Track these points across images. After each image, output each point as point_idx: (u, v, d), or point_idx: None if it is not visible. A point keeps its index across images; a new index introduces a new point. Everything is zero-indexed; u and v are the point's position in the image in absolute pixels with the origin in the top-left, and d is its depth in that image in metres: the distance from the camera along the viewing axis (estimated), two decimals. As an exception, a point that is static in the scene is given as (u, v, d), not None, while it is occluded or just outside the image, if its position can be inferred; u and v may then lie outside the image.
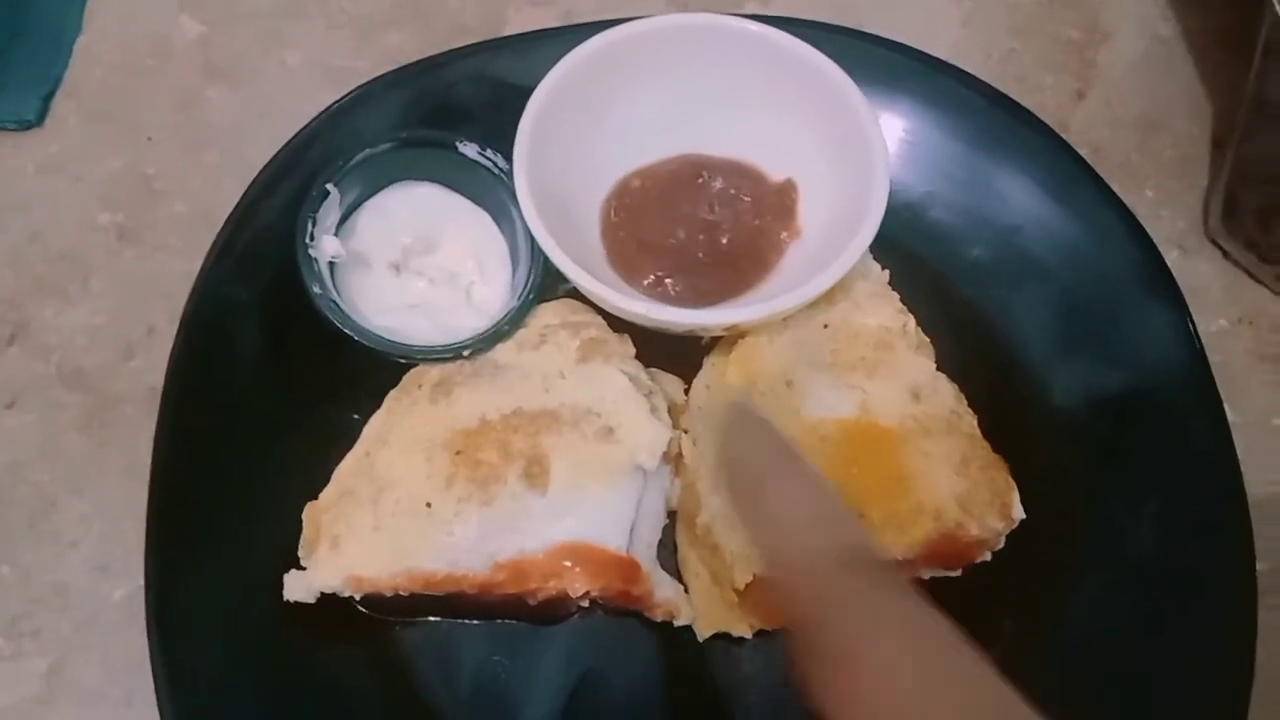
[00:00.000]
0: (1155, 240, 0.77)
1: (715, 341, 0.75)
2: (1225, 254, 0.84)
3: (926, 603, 0.43)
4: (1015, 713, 0.40)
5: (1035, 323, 0.76)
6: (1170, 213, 0.86)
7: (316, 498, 0.68)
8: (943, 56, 0.83)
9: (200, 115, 0.88)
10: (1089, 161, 0.80)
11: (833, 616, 0.43)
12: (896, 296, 0.73)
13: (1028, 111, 0.81)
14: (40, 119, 0.87)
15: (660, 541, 0.70)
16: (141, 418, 0.75)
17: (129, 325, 0.80)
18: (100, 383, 0.78)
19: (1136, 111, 0.91)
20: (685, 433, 0.71)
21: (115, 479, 0.75)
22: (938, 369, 0.71)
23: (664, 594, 0.67)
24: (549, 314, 0.73)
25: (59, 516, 0.74)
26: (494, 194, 0.74)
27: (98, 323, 0.80)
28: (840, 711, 0.40)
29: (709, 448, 0.68)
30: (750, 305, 0.71)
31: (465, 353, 0.70)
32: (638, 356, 0.73)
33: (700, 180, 0.77)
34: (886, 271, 0.74)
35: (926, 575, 0.69)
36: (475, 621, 0.69)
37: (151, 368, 0.76)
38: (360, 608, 0.67)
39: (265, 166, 0.76)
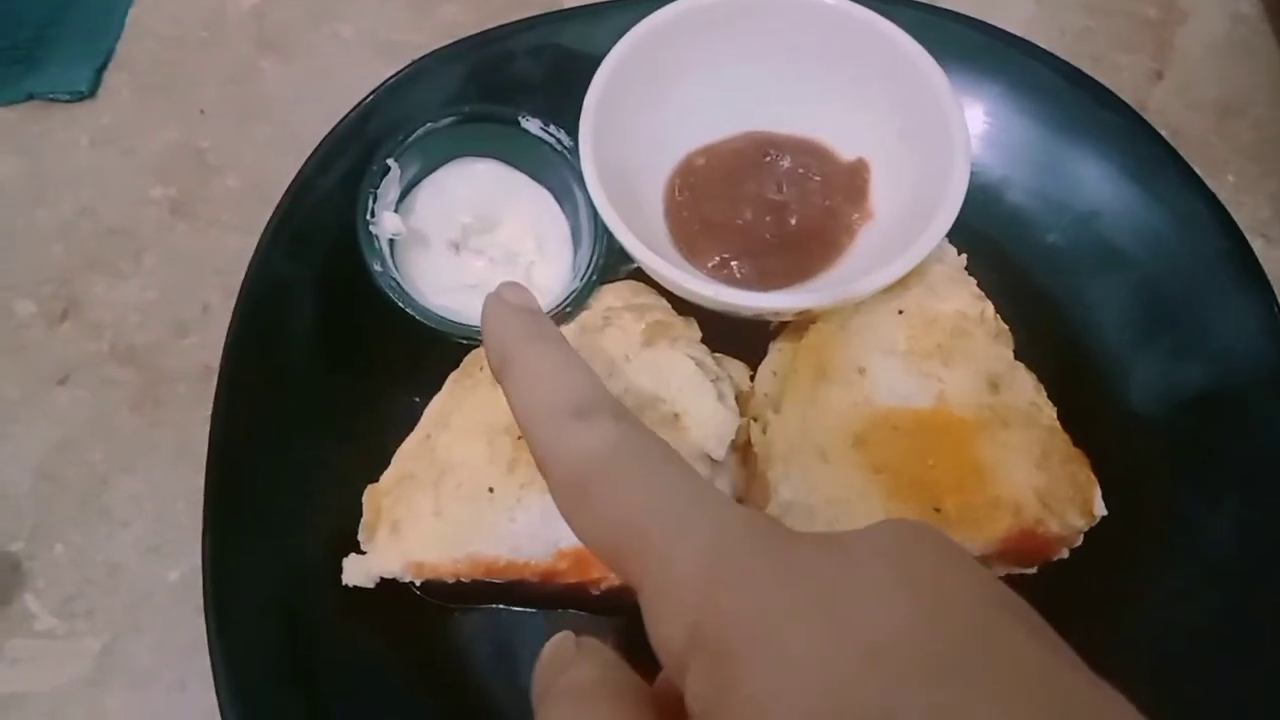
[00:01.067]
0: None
1: (783, 327, 0.72)
2: (1309, 243, 0.81)
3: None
4: None
5: (1114, 312, 0.74)
6: (1252, 200, 0.83)
7: (376, 480, 0.66)
8: (1016, 33, 0.80)
9: (253, 88, 0.86)
10: (1172, 145, 0.77)
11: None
12: (974, 282, 0.70)
13: (1108, 92, 0.78)
14: (92, 91, 0.86)
15: (725, 532, 0.68)
16: (195, 396, 0.74)
17: (182, 302, 0.78)
18: (153, 360, 0.77)
19: (1216, 94, 0.88)
20: (754, 420, 0.69)
21: (168, 458, 0.73)
22: (1015, 358, 0.69)
23: (730, 586, 0.65)
24: (612, 296, 0.70)
25: (110, 495, 0.73)
26: (556, 171, 0.72)
27: (150, 299, 0.79)
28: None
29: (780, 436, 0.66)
30: (822, 289, 0.69)
31: (528, 335, 0.67)
32: (703, 341, 0.71)
33: (767, 159, 0.74)
34: (963, 256, 0.71)
35: (1001, 573, 0.67)
36: (536, 611, 0.67)
37: (205, 345, 0.75)
38: (420, 594, 0.66)
39: (322, 141, 0.74)
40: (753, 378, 0.72)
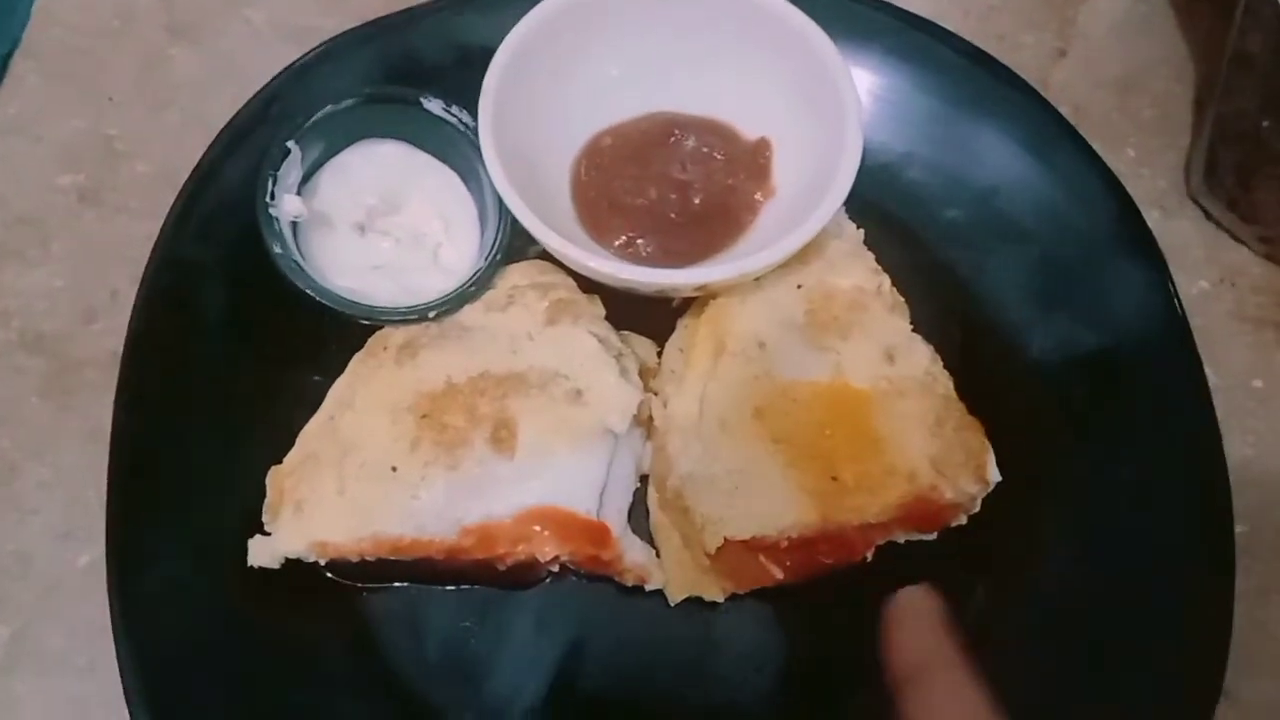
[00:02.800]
0: (1136, 200, 0.76)
1: (688, 303, 0.73)
2: (1207, 214, 0.83)
3: None
4: None
5: (1013, 284, 0.75)
6: (1151, 172, 0.85)
7: (280, 462, 0.66)
8: (921, 13, 0.81)
9: (163, 75, 0.86)
10: (1069, 121, 0.78)
11: None
12: (871, 256, 0.72)
13: (1008, 70, 0.80)
14: (-2, 78, 0.85)
15: (631, 506, 0.69)
16: (104, 382, 0.73)
17: (90, 289, 0.78)
18: (61, 347, 0.76)
19: (1117, 71, 0.89)
20: (656, 395, 0.70)
21: (77, 445, 0.73)
22: (913, 330, 0.70)
23: (635, 558, 0.66)
24: (517, 275, 0.71)
25: (20, 483, 0.73)
26: (461, 152, 0.72)
27: (58, 286, 0.78)
28: None
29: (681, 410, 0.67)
30: (720, 265, 0.70)
31: (431, 314, 0.68)
32: (609, 319, 0.72)
33: (673, 139, 0.75)
34: (861, 231, 0.73)
35: (901, 539, 0.68)
36: (444, 587, 0.68)
37: (114, 331, 0.74)
38: (326, 573, 0.66)
39: (226, 126, 0.74)
40: (659, 354, 0.73)
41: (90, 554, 0.71)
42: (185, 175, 0.73)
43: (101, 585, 0.64)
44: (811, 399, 0.66)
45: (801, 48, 0.70)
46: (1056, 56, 0.89)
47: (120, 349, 0.69)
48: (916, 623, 0.57)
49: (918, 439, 0.66)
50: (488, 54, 0.69)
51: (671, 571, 0.68)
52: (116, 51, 0.86)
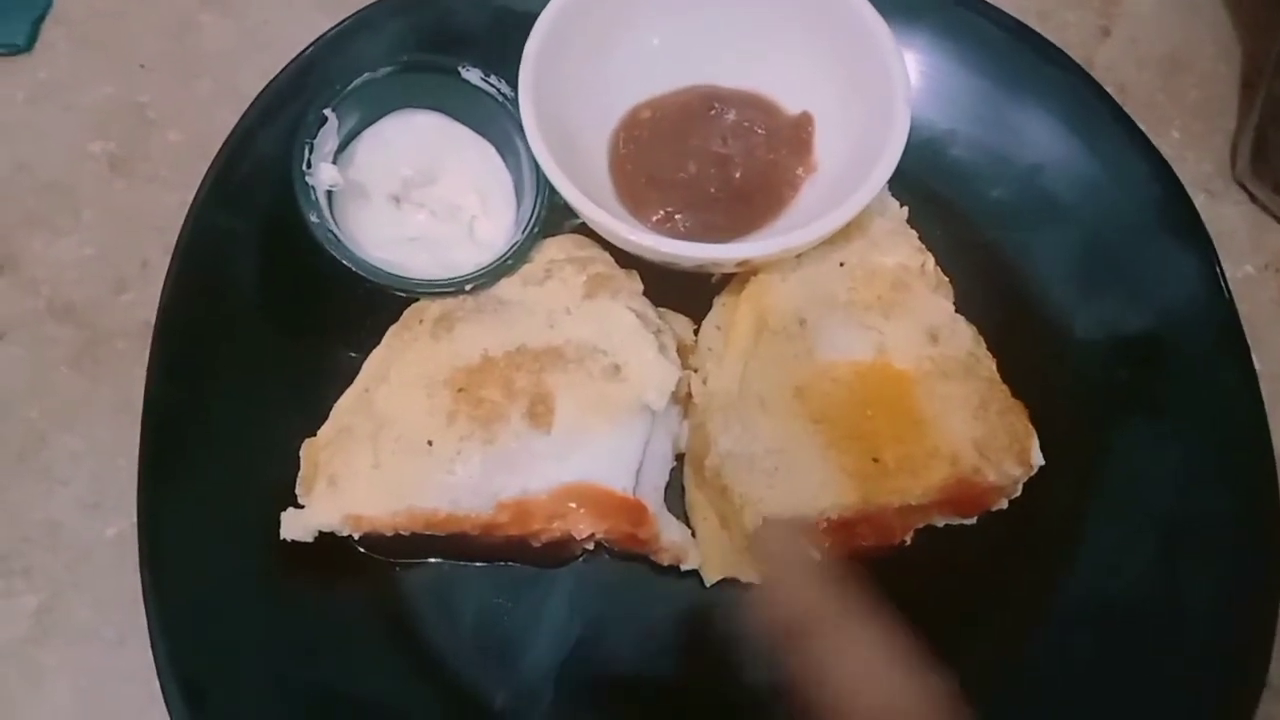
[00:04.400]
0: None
1: (726, 280, 0.72)
2: (1252, 198, 0.82)
3: None
4: None
5: (1057, 265, 0.74)
6: (1196, 155, 0.84)
7: (314, 435, 0.66)
8: (964, -10, 0.80)
9: (194, 42, 0.85)
10: (1116, 100, 0.77)
11: None
12: (915, 235, 0.71)
13: (1054, 47, 0.79)
14: (29, 44, 0.84)
15: (668, 484, 0.68)
16: (135, 353, 0.73)
17: (121, 258, 0.77)
18: (92, 317, 0.76)
19: (1163, 50, 0.88)
20: (695, 372, 0.69)
21: (107, 415, 0.73)
22: (956, 310, 0.69)
23: (670, 537, 0.65)
24: (554, 249, 0.70)
25: (49, 453, 0.72)
26: (498, 124, 0.71)
27: (89, 255, 0.77)
28: None
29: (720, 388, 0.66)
30: (762, 240, 0.69)
31: (468, 287, 0.67)
32: (646, 296, 0.70)
33: (712, 112, 0.74)
34: (905, 209, 0.71)
35: (940, 523, 0.67)
36: (478, 564, 0.67)
37: (144, 302, 0.74)
38: (359, 548, 0.65)
39: (260, 94, 0.73)
40: (696, 332, 0.72)
41: (119, 525, 0.70)
42: (217, 144, 0.72)
43: (131, 556, 0.63)
44: (853, 379, 0.65)
45: (849, 22, 0.69)
46: (1101, 35, 0.88)
47: (151, 319, 0.68)
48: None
49: (961, 421, 0.64)
50: (527, 22, 0.68)
51: (708, 552, 0.67)
52: (148, 19, 0.85)
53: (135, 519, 0.64)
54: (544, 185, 0.68)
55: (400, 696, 0.63)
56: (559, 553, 0.66)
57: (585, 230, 0.71)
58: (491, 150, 0.73)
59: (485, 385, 0.65)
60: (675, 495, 0.69)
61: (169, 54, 0.84)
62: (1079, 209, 0.75)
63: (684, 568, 0.66)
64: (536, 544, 0.64)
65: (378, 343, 0.68)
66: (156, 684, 0.60)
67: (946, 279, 0.70)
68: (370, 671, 0.64)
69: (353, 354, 0.68)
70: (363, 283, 0.66)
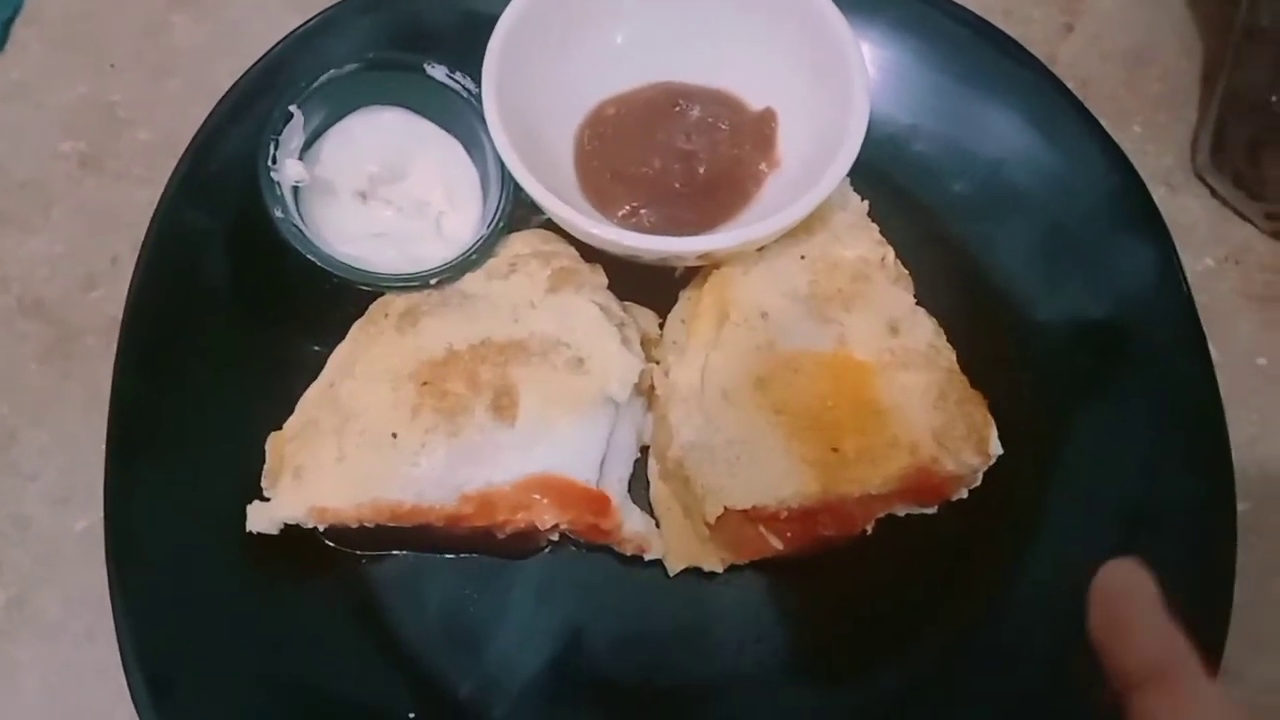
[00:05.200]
0: (1142, 177, 0.75)
1: (691, 274, 0.73)
2: (1212, 191, 0.83)
3: None
4: None
5: (1018, 257, 0.75)
6: (1157, 148, 0.85)
7: (280, 428, 0.66)
8: (929, -14, 0.81)
9: (165, 41, 0.85)
10: (1076, 95, 0.78)
11: None
12: (875, 228, 0.71)
13: (1015, 43, 0.79)
14: (1, 44, 0.84)
15: (632, 476, 0.69)
16: (104, 349, 0.73)
17: (91, 255, 0.78)
18: (62, 313, 0.76)
19: (1125, 45, 0.89)
20: (658, 364, 0.69)
21: (77, 411, 0.73)
22: (917, 303, 0.70)
23: (634, 528, 0.66)
24: (519, 243, 0.71)
25: (19, 449, 0.73)
26: (464, 120, 0.72)
27: (59, 253, 0.78)
28: None
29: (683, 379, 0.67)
30: (725, 233, 0.69)
31: (433, 281, 0.68)
32: (611, 289, 0.71)
33: (677, 108, 0.75)
34: (866, 203, 0.72)
35: (902, 512, 0.68)
36: (443, 555, 0.68)
37: (114, 298, 0.74)
38: (326, 540, 0.66)
39: (228, 92, 0.74)
40: (662, 325, 0.73)
41: (88, 519, 0.70)
42: (186, 142, 0.73)
43: (100, 550, 0.64)
44: (814, 370, 0.66)
45: (810, 18, 0.70)
46: (1064, 31, 0.89)
47: (120, 315, 0.69)
48: (1145, 615, 0.50)
49: (920, 412, 0.65)
50: (492, 20, 0.69)
51: (671, 542, 0.67)
52: (119, 19, 0.86)
53: (103, 513, 0.64)
54: (509, 181, 0.68)
55: (367, 687, 0.64)
56: (524, 544, 0.67)
57: (550, 225, 0.71)
58: (458, 146, 0.73)
59: (450, 378, 0.65)
60: (640, 487, 0.70)
61: (140, 53, 0.85)
62: (1039, 201, 0.76)
63: (648, 558, 0.67)
64: (501, 535, 0.65)
65: (343, 337, 0.69)
66: (124, 677, 0.61)
67: (907, 272, 0.71)
68: (337, 662, 0.64)
69: (318, 348, 0.69)
70: (328, 278, 0.67)
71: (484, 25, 0.69)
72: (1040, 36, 0.87)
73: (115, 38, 0.85)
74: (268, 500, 0.64)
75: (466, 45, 0.70)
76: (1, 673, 0.67)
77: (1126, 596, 0.50)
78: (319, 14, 0.77)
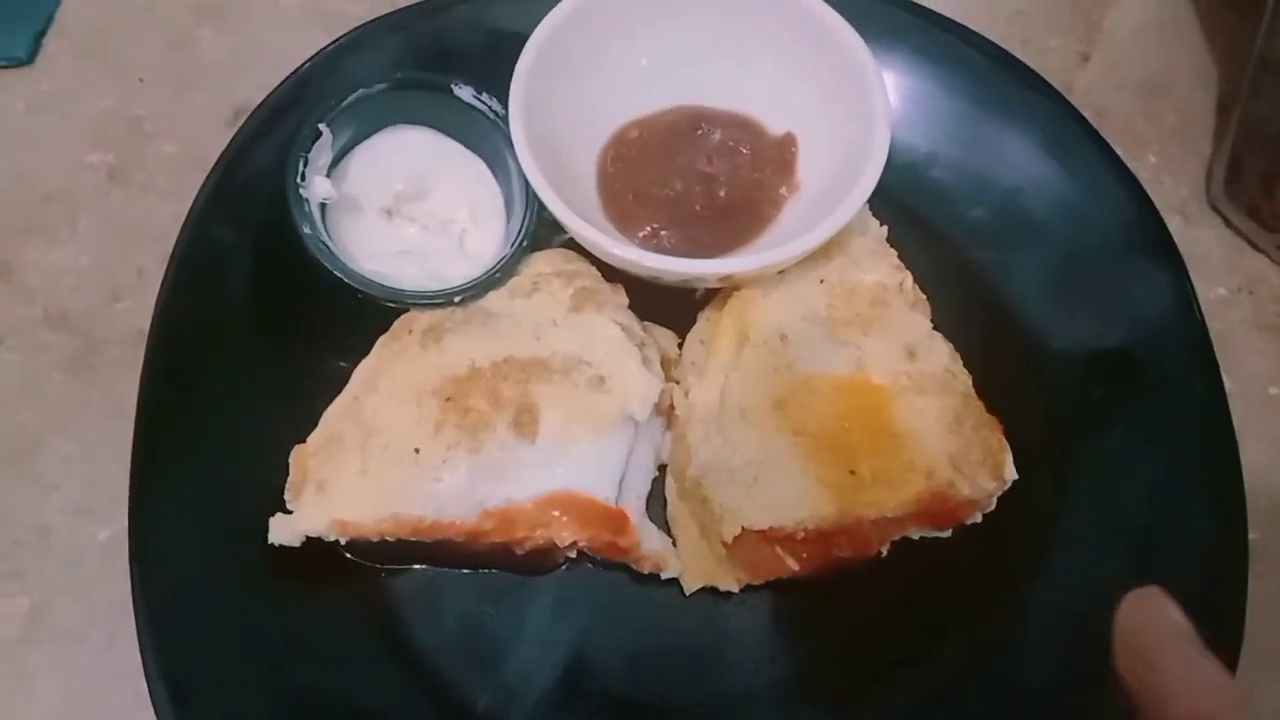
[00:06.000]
0: (1157, 207, 0.76)
1: (710, 296, 0.74)
2: (1227, 222, 0.84)
3: None
4: None
5: (1034, 285, 0.76)
6: (1172, 179, 0.86)
7: (304, 441, 0.67)
8: (947, 15, 0.82)
9: (192, 56, 0.87)
10: (1093, 125, 0.79)
11: None
12: (894, 253, 0.72)
13: (1033, 72, 0.80)
14: (31, 57, 0.85)
15: (650, 495, 0.70)
16: (128, 360, 0.74)
17: (117, 267, 0.79)
18: (86, 324, 0.77)
19: (1141, 75, 0.90)
20: (678, 384, 0.70)
21: (100, 421, 0.74)
22: (934, 328, 0.70)
23: (652, 546, 0.66)
24: (542, 262, 0.72)
25: (42, 458, 0.73)
26: (489, 140, 0.73)
27: (84, 264, 0.79)
28: None
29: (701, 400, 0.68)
30: (745, 256, 0.70)
31: (457, 299, 0.69)
32: (632, 310, 0.72)
33: (699, 132, 0.75)
34: (884, 228, 0.73)
35: (916, 535, 0.69)
36: (462, 570, 0.68)
37: (139, 310, 0.75)
38: (346, 553, 0.67)
39: (258, 108, 0.75)
40: (681, 345, 0.73)
41: (110, 529, 0.71)
42: (211, 156, 0.74)
43: (121, 561, 0.64)
44: (832, 392, 0.67)
45: (833, 45, 0.70)
46: (1081, 61, 0.90)
47: (144, 327, 0.70)
48: (1174, 648, 0.49)
49: (936, 436, 0.66)
50: (518, 42, 0.70)
51: (687, 561, 0.68)
52: (146, 33, 0.87)
53: (126, 523, 0.65)
54: (533, 201, 0.69)
55: (386, 699, 0.64)
56: (542, 560, 0.67)
57: (572, 245, 0.72)
58: (482, 166, 0.74)
59: (472, 395, 0.66)
60: (657, 506, 0.71)
61: (167, 68, 0.86)
62: (1056, 230, 0.76)
63: (664, 576, 0.67)
64: (520, 551, 0.66)
65: (367, 352, 0.70)
66: (145, 686, 0.61)
67: (924, 297, 0.71)
68: (356, 674, 0.65)
69: (342, 363, 0.70)
70: (354, 294, 0.67)
71: (509, 46, 0.70)
72: (1057, 66, 0.88)
73: (142, 52, 0.87)
74: (290, 513, 0.65)
75: (490, 66, 0.72)
76: (22, 679, 0.68)
77: (1152, 629, 0.50)
78: (347, 33, 0.78)
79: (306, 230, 0.67)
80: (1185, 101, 0.89)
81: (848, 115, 0.71)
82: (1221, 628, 0.66)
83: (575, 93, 0.73)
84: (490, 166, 0.74)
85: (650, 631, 0.68)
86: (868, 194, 0.67)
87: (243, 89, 0.79)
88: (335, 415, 0.67)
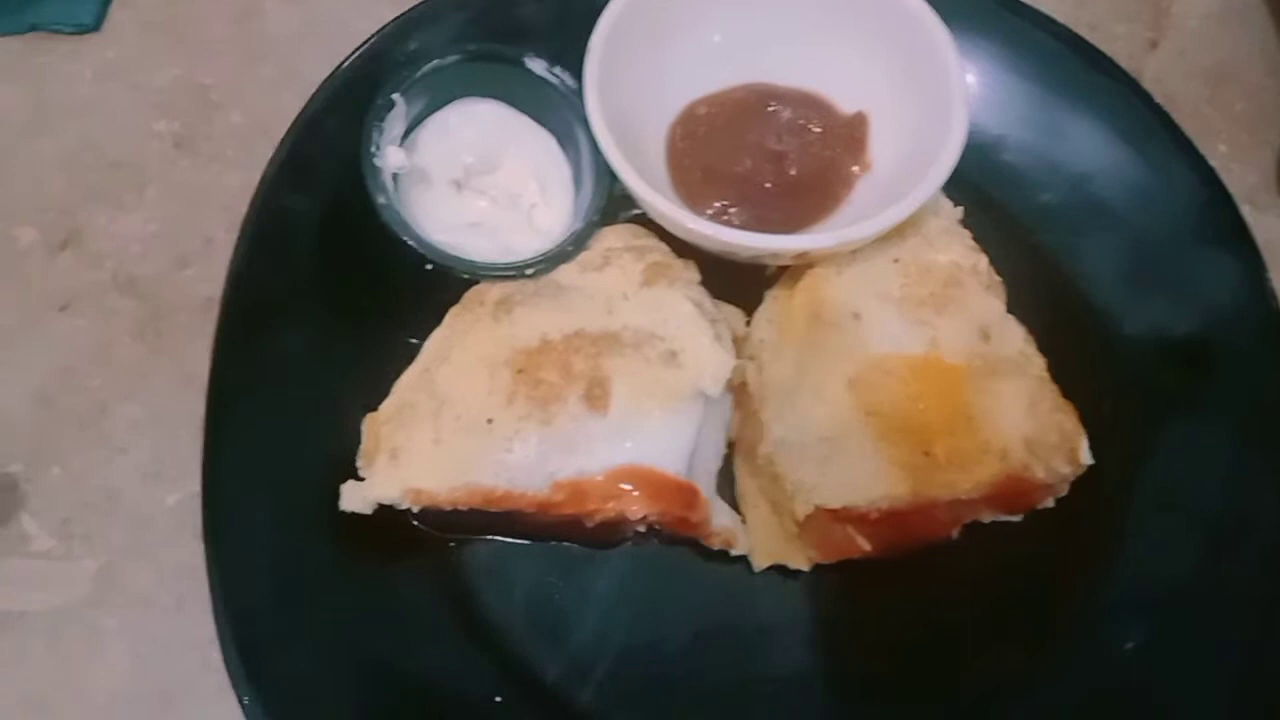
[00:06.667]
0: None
1: (779, 274, 0.74)
2: (1297, 211, 0.83)
3: None
4: None
5: (1105, 270, 0.75)
6: (1242, 168, 0.85)
7: (374, 410, 0.67)
8: (1018, -1, 0.81)
9: (258, 27, 0.87)
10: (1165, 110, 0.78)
11: None
12: (968, 234, 0.72)
13: (1105, 56, 0.80)
14: (97, 24, 0.86)
15: (718, 471, 0.69)
16: (196, 326, 0.75)
17: (184, 235, 0.79)
18: (154, 291, 0.77)
19: (1210, 63, 0.89)
20: (751, 360, 0.70)
21: (168, 387, 0.74)
22: (1007, 310, 0.70)
23: (721, 522, 0.66)
24: (612, 237, 0.71)
25: (110, 422, 0.74)
26: (559, 114, 0.73)
27: (152, 231, 0.79)
28: None
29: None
30: (821, 234, 0.70)
31: (529, 271, 0.69)
32: (701, 287, 0.72)
33: (769, 109, 0.75)
34: (959, 209, 0.73)
35: (988, 519, 0.68)
36: (530, 542, 0.68)
37: (206, 278, 0.76)
38: (416, 522, 0.67)
39: (328, 78, 0.75)
40: (748, 324, 0.73)
41: (178, 494, 0.71)
42: (278, 126, 0.74)
43: (189, 525, 0.65)
44: (905, 372, 0.66)
45: (909, 25, 0.70)
46: (1149, 47, 0.89)
47: (212, 295, 0.70)
48: None
49: (1012, 418, 0.65)
50: (588, 16, 0.70)
51: (757, 538, 0.68)
52: (213, 3, 0.87)
53: (194, 488, 0.65)
54: (604, 175, 0.69)
55: (454, 669, 0.65)
56: (611, 534, 0.67)
57: (641, 220, 0.72)
58: (551, 140, 0.74)
59: (544, 367, 0.66)
60: (725, 482, 0.70)
61: (233, 38, 0.86)
62: (1127, 215, 0.76)
63: (733, 552, 0.67)
64: (590, 524, 0.65)
65: (437, 323, 0.70)
66: (213, 650, 0.62)
67: (999, 279, 0.71)
68: (425, 643, 0.65)
69: (410, 335, 0.70)
70: (425, 264, 0.67)
71: (580, 19, 0.70)
72: (1124, 52, 0.87)
73: (210, 22, 0.87)
74: (362, 480, 0.65)
75: (562, 39, 0.71)
76: (91, 641, 0.68)
77: None
78: (416, 5, 0.78)
79: (382, 200, 0.67)
80: (1254, 89, 0.88)
81: (922, 95, 0.70)
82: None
83: (647, 68, 0.73)
84: (559, 140, 0.74)
85: (717, 607, 0.68)
86: (947, 174, 0.66)
87: (308, 61, 0.79)
88: (407, 385, 0.67)
